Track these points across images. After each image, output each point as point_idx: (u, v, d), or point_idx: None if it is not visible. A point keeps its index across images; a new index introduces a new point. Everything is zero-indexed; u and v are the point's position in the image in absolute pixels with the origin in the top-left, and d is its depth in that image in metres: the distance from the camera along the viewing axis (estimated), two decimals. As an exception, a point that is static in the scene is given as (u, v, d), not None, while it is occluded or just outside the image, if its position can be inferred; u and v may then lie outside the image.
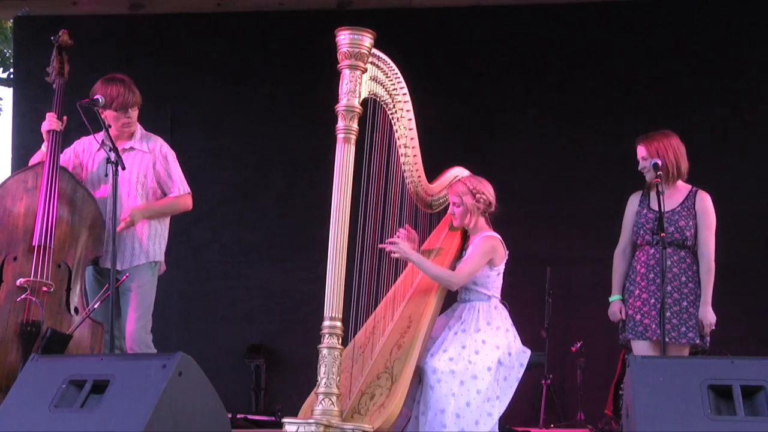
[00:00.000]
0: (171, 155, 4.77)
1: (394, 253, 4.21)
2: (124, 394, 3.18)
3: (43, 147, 4.63)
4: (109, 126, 4.62)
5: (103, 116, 4.59)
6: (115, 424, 3.11)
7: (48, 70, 4.77)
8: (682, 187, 4.67)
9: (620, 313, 4.63)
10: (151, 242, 4.69)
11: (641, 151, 4.65)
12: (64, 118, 4.66)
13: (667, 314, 4.47)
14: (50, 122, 4.61)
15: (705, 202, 4.64)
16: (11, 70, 11.25)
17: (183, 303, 7.17)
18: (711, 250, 4.59)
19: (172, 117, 7.20)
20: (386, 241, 4.19)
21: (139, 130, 4.77)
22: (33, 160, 4.70)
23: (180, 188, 4.74)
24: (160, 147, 4.76)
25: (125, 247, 4.61)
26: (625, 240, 4.74)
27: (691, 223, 4.59)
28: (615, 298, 4.68)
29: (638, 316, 4.55)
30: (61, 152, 4.68)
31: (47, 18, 7.13)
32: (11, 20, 8.85)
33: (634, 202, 4.74)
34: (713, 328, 4.54)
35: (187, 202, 4.79)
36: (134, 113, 4.69)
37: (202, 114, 7.44)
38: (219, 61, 7.41)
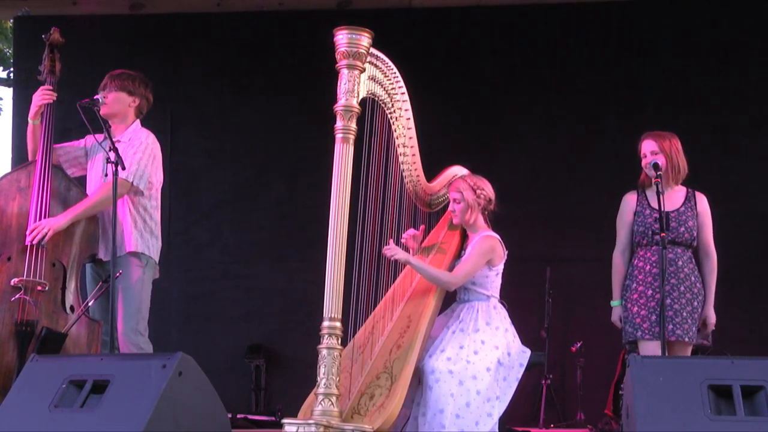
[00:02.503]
0: (143, 146, 4.59)
1: (394, 257, 4.23)
2: (124, 394, 3.18)
3: (29, 135, 4.60)
4: (110, 126, 4.60)
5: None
6: (115, 424, 3.11)
7: (40, 68, 4.74)
8: (679, 188, 4.69)
9: (620, 321, 4.63)
10: (137, 233, 4.57)
11: (650, 145, 4.63)
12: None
13: (683, 314, 4.49)
14: (42, 95, 4.57)
15: (705, 203, 4.69)
16: (11, 70, 11.25)
17: (183, 303, 7.17)
18: (714, 251, 4.65)
19: (172, 117, 7.20)
20: (384, 248, 4.21)
21: (134, 125, 4.70)
22: (29, 137, 4.64)
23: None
24: (141, 137, 4.63)
25: (111, 238, 4.50)
26: (624, 241, 4.72)
27: (695, 223, 4.61)
28: (617, 303, 4.68)
29: (654, 316, 4.49)
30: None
31: (47, 18, 7.13)
32: (11, 20, 8.86)
33: (630, 201, 4.73)
34: (713, 328, 4.56)
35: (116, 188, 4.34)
36: (111, 96, 4.61)
37: (202, 114, 7.44)
38: (219, 61, 7.42)
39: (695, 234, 4.61)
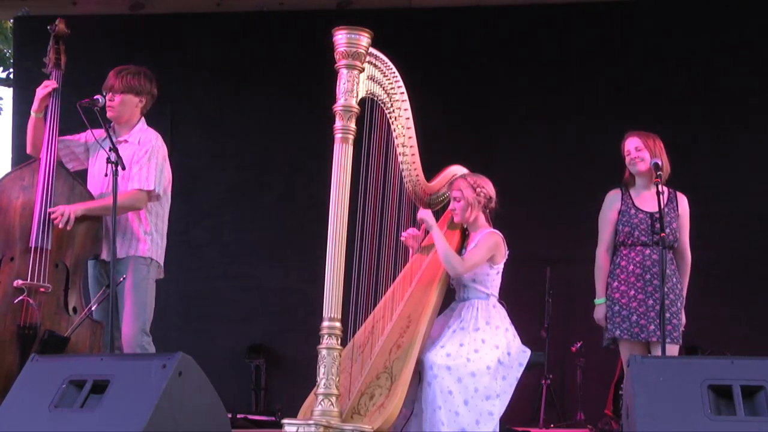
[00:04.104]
0: (155, 150, 4.56)
1: (425, 220, 4.33)
2: (124, 394, 3.18)
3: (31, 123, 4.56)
4: (110, 126, 4.56)
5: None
6: (115, 424, 3.11)
7: (45, 60, 4.66)
8: (661, 189, 4.68)
9: (605, 320, 4.65)
10: (149, 237, 4.56)
11: (635, 142, 4.65)
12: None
13: (666, 315, 4.48)
14: (44, 85, 4.52)
15: (685, 205, 4.73)
16: (11, 70, 11.25)
17: (183, 303, 7.17)
18: (689, 253, 4.71)
19: (172, 117, 7.20)
20: (421, 211, 4.34)
21: (139, 123, 4.65)
22: (29, 129, 4.59)
23: (137, 184, 4.48)
24: (150, 140, 4.59)
25: (121, 238, 4.51)
26: (607, 239, 4.74)
27: (677, 225, 4.63)
28: (601, 301, 4.69)
29: (634, 317, 4.55)
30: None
31: (47, 18, 7.01)
32: (11, 20, 8.86)
33: (614, 200, 4.75)
34: (683, 328, 4.61)
35: (136, 199, 4.49)
36: (118, 98, 4.54)
37: (202, 114, 7.44)
38: (219, 61, 7.41)
39: (677, 235, 4.63)
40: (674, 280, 4.57)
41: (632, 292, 4.58)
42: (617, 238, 4.70)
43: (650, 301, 4.52)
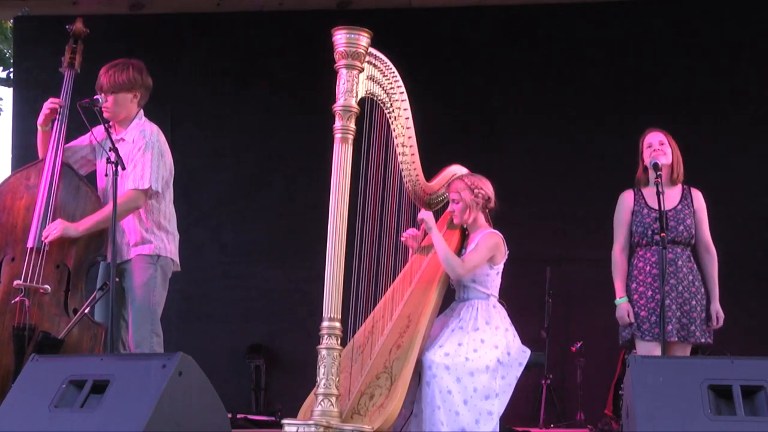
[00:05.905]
0: (148, 145, 4.47)
1: (425, 222, 4.30)
2: (124, 394, 3.18)
3: (39, 134, 4.54)
4: (110, 126, 4.53)
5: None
6: (115, 424, 3.12)
7: (62, 59, 4.64)
8: (676, 186, 4.68)
9: (628, 316, 4.57)
10: (152, 235, 4.51)
11: (659, 136, 4.64)
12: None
13: (678, 314, 4.49)
14: (50, 102, 4.48)
15: (701, 199, 4.71)
16: (11, 70, 11.25)
17: (183, 303, 7.15)
18: (713, 246, 4.67)
19: (172, 117, 7.20)
20: (420, 214, 4.30)
21: (136, 119, 4.59)
22: (39, 143, 4.57)
23: (132, 183, 4.41)
24: (144, 136, 4.51)
25: (124, 240, 4.49)
26: (623, 240, 4.72)
27: (693, 221, 4.62)
28: (622, 300, 4.63)
29: (653, 318, 4.51)
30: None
31: (47, 18, 7.13)
32: (11, 20, 8.86)
33: (627, 200, 4.73)
34: (721, 323, 4.56)
35: (134, 200, 4.41)
36: (110, 99, 4.48)
37: (202, 114, 7.44)
38: (219, 61, 7.41)
39: (693, 232, 4.61)
40: (690, 278, 4.55)
41: (650, 293, 4.56)
42: (633, 239, 4.68)
43: (667, 301, 4.49)
